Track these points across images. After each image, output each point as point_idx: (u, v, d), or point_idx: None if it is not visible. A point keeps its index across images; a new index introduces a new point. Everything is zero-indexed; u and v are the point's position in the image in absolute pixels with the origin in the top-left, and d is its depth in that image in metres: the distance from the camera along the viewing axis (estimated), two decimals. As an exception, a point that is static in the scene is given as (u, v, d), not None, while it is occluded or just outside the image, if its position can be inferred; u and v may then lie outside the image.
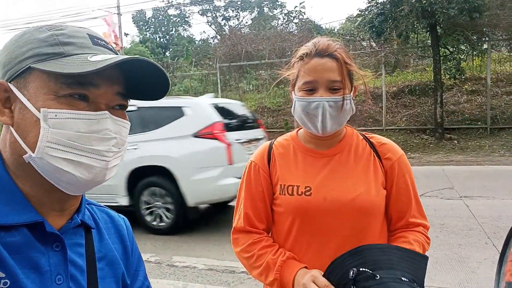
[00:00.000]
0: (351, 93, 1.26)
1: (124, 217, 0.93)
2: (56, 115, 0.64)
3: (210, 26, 30.95)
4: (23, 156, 0.66)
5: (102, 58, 0.65)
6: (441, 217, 5.59)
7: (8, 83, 0.67)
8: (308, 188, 1.26)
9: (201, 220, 6.28)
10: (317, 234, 1.25)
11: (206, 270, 4.33)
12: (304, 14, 25.81)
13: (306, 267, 1.21)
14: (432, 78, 12.80)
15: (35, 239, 0.67)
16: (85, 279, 0.72)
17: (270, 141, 1.43)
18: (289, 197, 1.27)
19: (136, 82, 0.74)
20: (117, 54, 0.74)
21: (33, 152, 0.65)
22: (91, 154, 0.67)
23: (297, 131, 1.40)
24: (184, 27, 35.05)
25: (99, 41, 0.72)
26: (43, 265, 0.67)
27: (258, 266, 1.27)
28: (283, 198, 1.29)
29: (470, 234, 4.91)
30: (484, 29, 12.96)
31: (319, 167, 1.30)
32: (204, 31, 51.89)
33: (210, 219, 6.35)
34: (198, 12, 30.69)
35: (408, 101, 14.12)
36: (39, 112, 0.64)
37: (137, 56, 0.68)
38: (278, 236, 1.34)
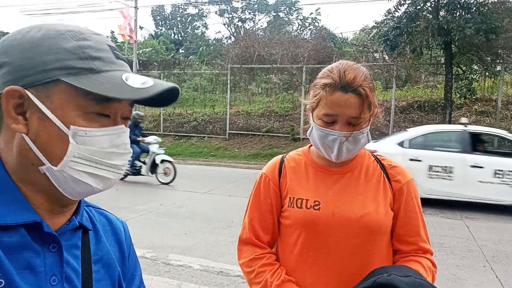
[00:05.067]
0: (369, 124, 1.27)
1: (122, 220, 0.92)
2: (86, 133, 0.65)
3: (227, 27, 31.08)
4: (40, 167, 0.66)
5: (141, 84, 0.66)
6: (441, 236, 5.56)
7: (26, 91, 0.64)
8: (317, 203, 1.27)
9: (199, 221, 6.29)
10: (323, 249, 1.25)
11: (201, 271, 4.33)
12: (320, 21, 25.80)
13: None
14: (442, 96, 12.73)
15: (31, 239, 0.67)
16: (80, 281, 0.72)
17: (282, 155, 1.44)
18: (297, 210, 1.28)
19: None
20: (127, 63, 0.74)
21: (55, 165, 0.65)
22: (110, 168, 0.69)
23: (309, 147, 1.42)
24: (199, 25, 35.22)
25: (118, 53, 0.72)
26: (38, 266, 0.66)
27: (257, 283, 1.29)
28: (291, 211, 1.30)
29: (469, 256, 4.87)
30: (499, 51, 12.88)
31: (330, 183, 1.31)
32: (219, 31, 52.08)
33: (208, 219, 6.35)
34: (216, 12, 30.83)
35: (416, 116, 14.05)
36: (68, 128, 0.64)
37: (171, 85, 0.68)
38: (284, 249, 1.34)
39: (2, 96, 0.63)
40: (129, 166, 9.13)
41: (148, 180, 9.55)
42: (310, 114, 1.29)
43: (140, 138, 9.44)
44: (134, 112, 7.99)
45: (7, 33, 0.72)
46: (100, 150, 0.67)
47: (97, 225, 0.83)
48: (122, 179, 9.34)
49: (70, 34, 0.67)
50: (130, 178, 9.49)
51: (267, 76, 18.62)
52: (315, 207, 1.26)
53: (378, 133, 13.52)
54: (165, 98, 0.72)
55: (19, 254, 0.65)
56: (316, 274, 1.25)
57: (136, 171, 9.44)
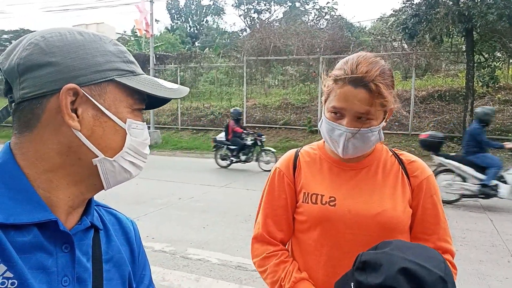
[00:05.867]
0: (383, 122, 1.22)
1: (132, 219, 0.93)
2: (137, 126, 0.75)
3: (243, 18, 30.95)
4: (93, 159, 0.70)
5: (171, 86, 0.78)
6: (463, 229, 5.44)
7: (80, 89, 0.67)
8: (333, 199, 1.23)
9: (217, 215, 6.31)
10: (337, 247, 1.22)
11: (219, 265, 4.35)
12: (336, 10, 25.40)
13: None
14: (464, 85, 12.41)
15: (44, 239, 0.67)
16: (91, 281, 0.73)
17: (296, 149, 1.41)
18: (312, 205, 1.25)
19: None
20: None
21: (110, 156, 0.72)
22: (143, 158, 0.78)
23: (324, 141, 1.37)
24: (215, 18, 35.20)
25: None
26: (51, 266, 0.67)
27: (271, 283, 1.28)
28: (306, 206, 1.27)
29: (493, 251, 4.75)
30: (524, 37, 12.45)
31: (346, 178, 1.27)
32: (234, 23, 52.07)
33: (226, 213, 6.37)
34: (232, 5, 30.74)
35: (437, 106, 13.75)
36: (124, 123, 0.72)
37: (188, 89, 0.82)
38: (297, 245, 1.32)
39: (60, 94, 0.65)
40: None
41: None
42: (324, 105, 1.26)
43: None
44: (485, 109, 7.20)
45: (28, 30, 0.74)
46: (142, 142, 0.77)
47: (107, 224, 0.84)
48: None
49: (105, 39, 0.74)
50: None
51: (283, 68, 18.51)
52: (331, 203, 1.23)
53: (398, 124, 13.30)
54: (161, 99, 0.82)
55: (32, 254, 0.65)
56: (330, 272, 1.22)
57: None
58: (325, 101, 1.24)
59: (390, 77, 1.19)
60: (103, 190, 0.76)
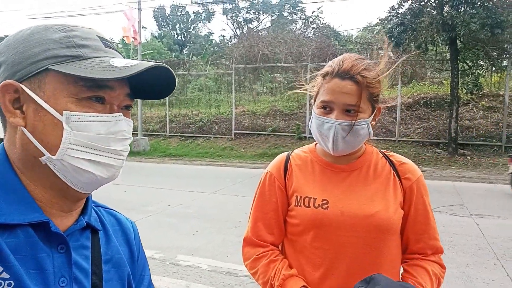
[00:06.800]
0: (372, 116, 1.24)
1: (131, 220, 0.93)
2: (79, 118, 0.65)
3: (232, 24, 31.07)
4: (40, 158, 0.66)
5: (125, 64, 0.66)
6: (450, 233, 5.51)
7: (20, 84, 0.65)
8: (325, 201, 1.24)
9: (206, 221, 6.29)
10: (331, 249, 1.23)
11: (210, 271, 4.33)
12: (323, 19, 25.72)
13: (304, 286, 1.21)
14: (449, 92, 12.64)
15: (39, 239, 0.67)
16: (89, 282, 0.72)
17: (287, 153, 1.41)
18: (305, 208, 1.26)
19: (142, 82, 0.74)
20: (121, 54, 0.75)
21: (53, 154, 0.65)
22: (110, 154, 0.69)
23: (316, 144, 1.39)
24: (204, 23, 35.27)
25: (108, 43, 0.73)
26: (47, 267, 0.66)
27: (262, 283, 1.29)
28: (298, 210, 1.28)
29: (479, 254, 4.83)
30: (505, 46, 12.75)
31: (338, 181, 1.29)
32: (223, 29, 52.28)
33: (215, 219, 6.35)
34: (220, 12, 30.89)
35: (423, 113, 13.96)
36: (61, 115, 0.65)
37: (158, 63, 0.69)
38: (291, 248, 1.32)
39: None
40: None
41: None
42: (314, 104, 1.29)
43: None
44: None
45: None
46: (97, 136, 0.67)
47: (106, 225, 0.83)
48: None
49: (57, 27, 0.69)
50: None
51: (272, 75, 18.59)
52: (323, 206, 1.24)
53: (385, 131, 13.46)
54: (161, 88, 0.75)
55: (27, 254, 0.65)
56: (324, 274, 1.23)
57: None
58: (315, 100, 1.27)
59: (376, 73, 1.23)
60: (81, 192, 0.71)
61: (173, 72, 0.73)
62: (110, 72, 0.65)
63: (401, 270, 1.32)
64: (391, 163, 1.32)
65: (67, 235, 0.70)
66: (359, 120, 1.19)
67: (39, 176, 0.68)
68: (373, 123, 1.26)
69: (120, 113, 0.70)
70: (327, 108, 1.21)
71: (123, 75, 0.64)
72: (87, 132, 0.66)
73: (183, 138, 16.22)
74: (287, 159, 1.37)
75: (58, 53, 0.66)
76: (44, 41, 0.66)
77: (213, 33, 35.11)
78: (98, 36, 0.72)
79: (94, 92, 0.66)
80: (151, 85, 0.75)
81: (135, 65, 0.66)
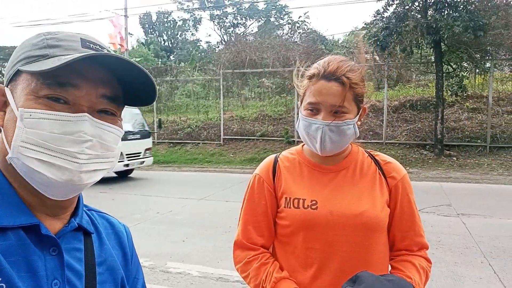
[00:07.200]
0: (357, 117, 1.27)
1: (124, 224, 0.93)
2: (30, 115, 0.64)
3: (219, 30, 31.12)
4: (6, 157, 0.67)
5: (74, 56, 0.63)
6: (438, 233, 5.58)
7: (5, 88, 0.70)
8: (314, 202, 1.26)
9: (196, 227, 6.26)
10: (321, 249, 1.25)
11: (200, 277, 4.31)
12: (310, 24, 25.96)
13: None
14: (434, 94, 12.84)
15: (31, 242, 0.66)
16: (82, 284, 0.72)
17: (275, 155, 1.43)
18: (294, 210, 1.27)
19: (129, 87, 0.73)
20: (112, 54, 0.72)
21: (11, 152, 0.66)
22: (62, 155, 0.65)
23: (302, 146, 1.41)
24: (191, 31, 35.27)
25: (91, 44, 0.70)
26: (39, 269, 0.66)
27: (254, 286, 1.30)
28: (288, 211, 1.29)
29: (467, 253, 4.89)
30: (488, 48, 13.03)
31: (325, 181, 1.31)
32: (209, 35, 52.38)
33: (205, 225, 6.32)
34: (206, 18, 30.96)
35: (409, 115, 14.14)
36: (18, 111, 0.66)
37: (109, 53, 0.67)
38: (282, 250, 1.33)
39: None
40: None
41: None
42: (301, 107, 1.31)
43: None
44: None
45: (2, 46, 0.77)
46: (50, 135, 0.64)
47: (99, 228, 0.83)
48: None
49: (45, 33, 0.71)
50: None
51: (260, 80, 18.67)
52: (313, 207, 1.25)
53: (372, 133, 13.59)
54: (145, 95, 0.75)
55: (19, 257, 0.65)
56: (315, 274, 1.25)
57: None
58: (301, 102, 1.30)
59: (360, 74, 1.26)
60: (52, 198, 0.69)
61: (144, 69, 0.70)
62: (47, 64, 0.63)
63: (390, 268, 1.34)
64: (377, 162, 1.35)
65: (59, 237, 0.70)
66: (345, 120, 1.22)
67: (14, 176, 0.69)
68: (359, 123, 1.30)
69: (85, 114, 0.66)
70: (314, 109, 1.23)
71: (53, 66, 0.61)
72: (40, 130, 0.64)
73: (171, 144, 16.15)
74: (275, 161, 1.39)
75: (29, 54, 0.68)
76: (25, 46, 0.70)
77: (200, 40, 35.04)
78: (82, 38, 0.70)
79: (54, 91, 0.65)
80: (136, 90, 0.75)
81: (79, 56, 0.63)
